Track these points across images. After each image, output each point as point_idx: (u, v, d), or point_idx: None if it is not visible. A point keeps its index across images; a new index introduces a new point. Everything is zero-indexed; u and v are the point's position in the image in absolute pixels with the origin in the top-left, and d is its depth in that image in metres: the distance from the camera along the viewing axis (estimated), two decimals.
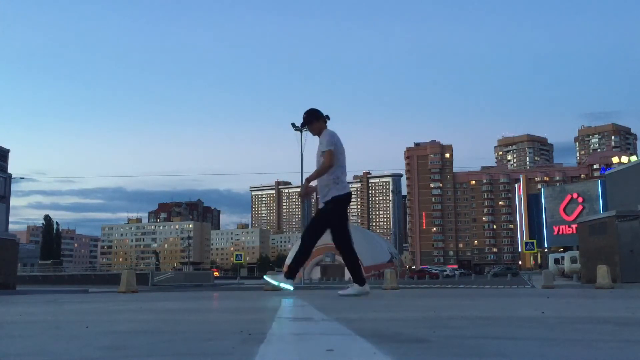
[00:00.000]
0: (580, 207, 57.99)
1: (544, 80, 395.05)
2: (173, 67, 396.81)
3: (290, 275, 6.26)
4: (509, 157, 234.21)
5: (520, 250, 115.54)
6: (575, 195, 59.61)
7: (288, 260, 73.57)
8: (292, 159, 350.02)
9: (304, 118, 6.35)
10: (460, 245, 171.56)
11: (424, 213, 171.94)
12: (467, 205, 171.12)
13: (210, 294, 9.56)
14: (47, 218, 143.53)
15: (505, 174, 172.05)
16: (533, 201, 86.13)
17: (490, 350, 1.99)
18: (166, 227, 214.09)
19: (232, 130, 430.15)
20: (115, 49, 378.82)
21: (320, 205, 6.22)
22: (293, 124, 34.13)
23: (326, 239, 6.31)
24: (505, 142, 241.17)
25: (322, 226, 6.20)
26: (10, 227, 43.19)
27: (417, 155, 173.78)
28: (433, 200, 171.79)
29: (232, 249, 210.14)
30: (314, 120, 6.29)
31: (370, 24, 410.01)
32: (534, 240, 36.42)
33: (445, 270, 75.79)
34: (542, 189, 70.47)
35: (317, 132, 6.28)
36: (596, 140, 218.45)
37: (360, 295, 6.05)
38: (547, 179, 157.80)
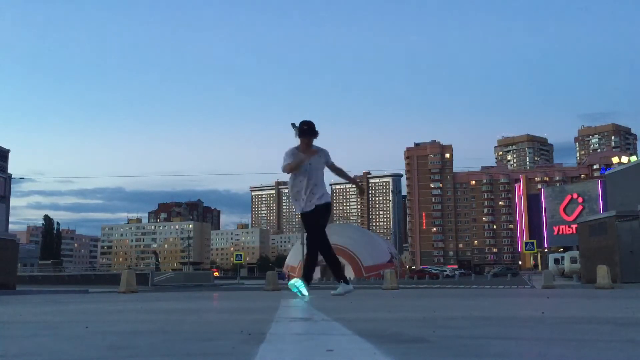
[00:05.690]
0: (580, 207, 58.05)
1: (544, 80, 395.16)
2: (172, 67, 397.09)
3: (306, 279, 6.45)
4: (509, 157, 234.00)
5: (520, 250, 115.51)
6: (575, 196, 59.69)
7: (288, 260, 73.67)
8: None
9: (313, 129, 6.57)
10: (460, 245, 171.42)
11: (424, 213, 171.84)
12: (467, 205, 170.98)
13: (210, 294, 9.56)
14: (47, 218, 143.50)
15: (505, 174, 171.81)
16: (533, 201, 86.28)
17: (490, 350, 1.99)
18: (166, 227, 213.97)
19: (232, 130, 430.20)
20: (115, 49, 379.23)
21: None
22: (293, 124, 34.17)
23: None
24: (505, 142, 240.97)
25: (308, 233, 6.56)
26: (10, 227, 43.20)
27: (417, 155, 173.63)
28: (433, 200, 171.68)
29: (232, 249, 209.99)
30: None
31: (370, 23, 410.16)
32: (534, 240, 36.33)
33: (445, 271, 75.47)
34: (542, 189, 70.57)
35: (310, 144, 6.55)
36: (596, 140, 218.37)
37: (347, 293, 6.38)
38: (547, 179, 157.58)
